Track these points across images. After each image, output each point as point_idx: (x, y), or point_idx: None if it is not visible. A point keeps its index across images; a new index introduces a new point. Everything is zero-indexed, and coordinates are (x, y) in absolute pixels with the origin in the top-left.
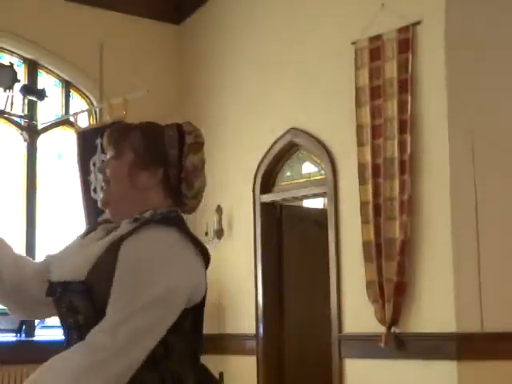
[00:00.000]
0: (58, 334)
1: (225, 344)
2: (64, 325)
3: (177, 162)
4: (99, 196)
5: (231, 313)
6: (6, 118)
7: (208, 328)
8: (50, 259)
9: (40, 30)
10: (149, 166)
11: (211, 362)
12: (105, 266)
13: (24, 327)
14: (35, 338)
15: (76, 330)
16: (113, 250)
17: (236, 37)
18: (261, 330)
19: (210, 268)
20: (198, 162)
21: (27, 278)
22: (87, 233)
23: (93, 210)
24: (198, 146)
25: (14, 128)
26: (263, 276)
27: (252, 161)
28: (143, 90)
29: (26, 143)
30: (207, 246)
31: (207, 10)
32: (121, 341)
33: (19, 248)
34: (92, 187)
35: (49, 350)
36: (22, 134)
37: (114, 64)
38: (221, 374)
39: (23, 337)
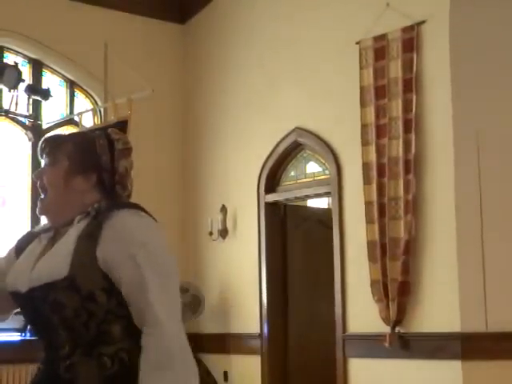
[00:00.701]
0: None
1: (229, 343)
2: (44, 324)
3: (109, 166)
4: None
5: (235, 312)
6: (11, 118)
7: (212, 327)
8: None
9: (44, 30)
10: (83, 171)
11: (215, 361)
12: (83, 257)
13: (29, 327)
14: None
15: (62, 325)
16: (86, 241)
17: (240, 36)
18: (265, 330)
19: (214, 267)
20: (129, 165)
21: None
22: (20, 245)
23: None
24: (128, 151)
25: (18, 128)
26: (267, 275)
27: (256, 160)
28: (148, 89)
29: (30, 143)
30: (211, 245)
31: (211, 10)
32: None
33: None
34: None
35: None
36: (26, 134)
37: (118, 63)
38: (225, 373)
39: (27, 336)
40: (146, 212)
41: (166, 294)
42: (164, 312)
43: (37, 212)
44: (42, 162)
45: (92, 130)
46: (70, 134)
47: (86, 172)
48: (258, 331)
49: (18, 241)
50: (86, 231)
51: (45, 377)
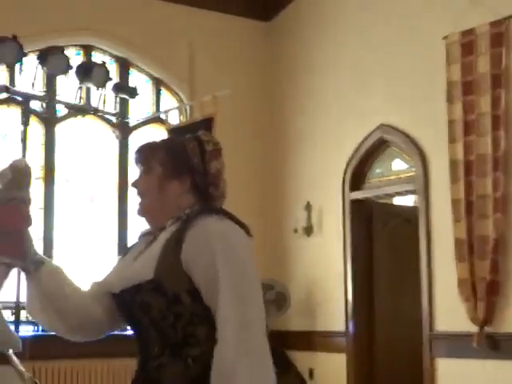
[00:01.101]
0: None
1: (315, 341)
2: (137, 325)
3: (201, 168)
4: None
5: (321, 309)
6: (99, 116)
7: (298, 324)
8: (101, 283)
9: (131, 29)
10: (176, 176)
11: (301, 359)
12: (168, 260)
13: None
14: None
15: (152, 326)
16: (173, 245)
17: (325, 33)
18: (350, 328)
19: (299, 265)
20: (220, 166)
21: (88, 304)
22: (125, 254)
23: None
24: (218, 152)
25: (106, 126)
26: (353, 273)
27: (342, 158)
28: (233, 87)
29: (118, 140)
30: (296, 243)
31: (296, 7)
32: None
33: (112, 245)
34: None
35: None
36: (114, 132)
37: (203, 61)
38: (311, 371)
39: (40, 330)
40: (234, 218)
41: (241, 307)
42: (231, 328)
43: (137, 213)
44: (138, 170)
45: (181, 133)
46: (161, 141)
47: (179, 176)
48: (344, 329)
49: (128, 247)
50: (173, 236)
51: (139, 375)
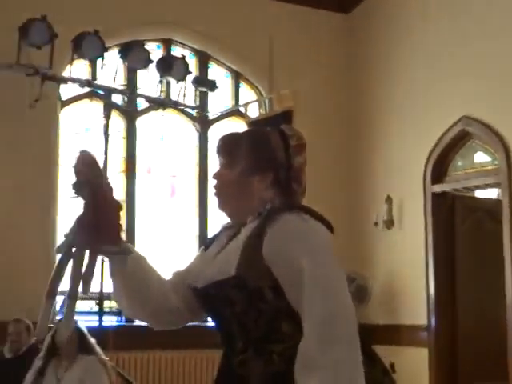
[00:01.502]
0: None
1: (396, 334)
2: (220, 319)
3: (285, 163)
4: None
5: (402, 303)
6: (180, 110)
7: (379, 318)
8: (182, 272)
9: (211, 22)
10: (259, 170)
11: (383, 352)
12: (250, 256)
13: None
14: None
15: (235, 321)
16: (254, 241)
17: (406, 24)
18: (433, 322)
19: (379, 258)
20: (303, 161)
21: (168, 292)
22: (207, 246)
23: None
24: (302, 147)
25: (186, 119)
26: (435, 267)
27: (422, 150)
28: (313, 80)
29: (198, 134)
30: (377, 236)
31: None
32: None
33: (192, 237)
34: None
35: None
36: (194, 125)
37: (282, 54)
38: (392, 365)
39: (123, 321)
40: (315, 214)
41: (325, 302)
42: (316, 323)
43: (217, 207)
44: (218, 161)
45: (261, 126)
46: (244, 132)
47: (262, 171)
48: (426, 323)
49: (209, 239)
50: (254, 231)
51: (223, 370)
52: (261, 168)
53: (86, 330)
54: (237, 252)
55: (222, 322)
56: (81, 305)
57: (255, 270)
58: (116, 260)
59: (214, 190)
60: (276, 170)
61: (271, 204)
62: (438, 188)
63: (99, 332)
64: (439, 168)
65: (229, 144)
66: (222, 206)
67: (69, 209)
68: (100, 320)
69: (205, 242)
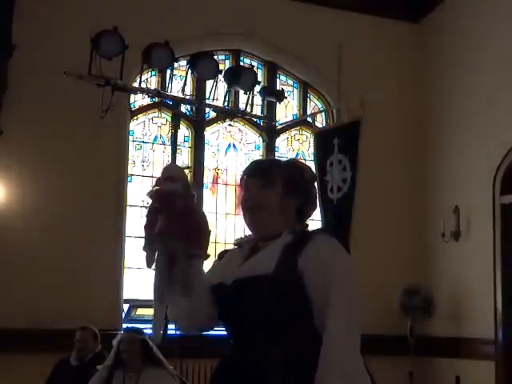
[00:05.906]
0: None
1: (461, 347)
2: (240, 316)
3: (311, 192)
4: (335, 196)
5: (468, 316)
6: (247, 119)
7: (444, 330)
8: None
9: (279, 33)
10: (294, 195)
11: (447, 365)
12: (288, 261)
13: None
14: None
15: (258, 315)
16: (294, 248)
17: (478, 32)
18: (500, 335)
19: (446, 269)
20: (316, 190)
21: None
22: (221, 257)
23: (330, 209)
24: (316, 179)
25: (253, 129)
26: (503, 280)
27: (492, 161)
28: (381, 91)
29: (264, 143)
30: (443, 247)
31: (447, 7)
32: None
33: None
34: (329, 187)
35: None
36: (261, 135)
37: (351, 64)
38: (457, 378)
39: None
40: (337, 238)
41: (349, 319)
42: (340, 338)
43: (245, 221)
44: (246, 182)
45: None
46: (277, 160)
47: (296, 195)
48: (493, 336)
49: (222, 251)
50: (292, 241)
51: (234, 361)
52: (296, 193)
53: (151, 343)
54: (275, 255)
55: (240, 316)
56: (144, 312)
57: (288, 273)
58: (200, 263)
59: (247, 207)
60: (303, 198)
61: (295, 226)
62: (506, 199)
63: (163, 340)
64: (508, 179)
65: (264, 168)
66: (255, 222)
67: (137, 217)
68: (165, 327)
69: (221, 254)
